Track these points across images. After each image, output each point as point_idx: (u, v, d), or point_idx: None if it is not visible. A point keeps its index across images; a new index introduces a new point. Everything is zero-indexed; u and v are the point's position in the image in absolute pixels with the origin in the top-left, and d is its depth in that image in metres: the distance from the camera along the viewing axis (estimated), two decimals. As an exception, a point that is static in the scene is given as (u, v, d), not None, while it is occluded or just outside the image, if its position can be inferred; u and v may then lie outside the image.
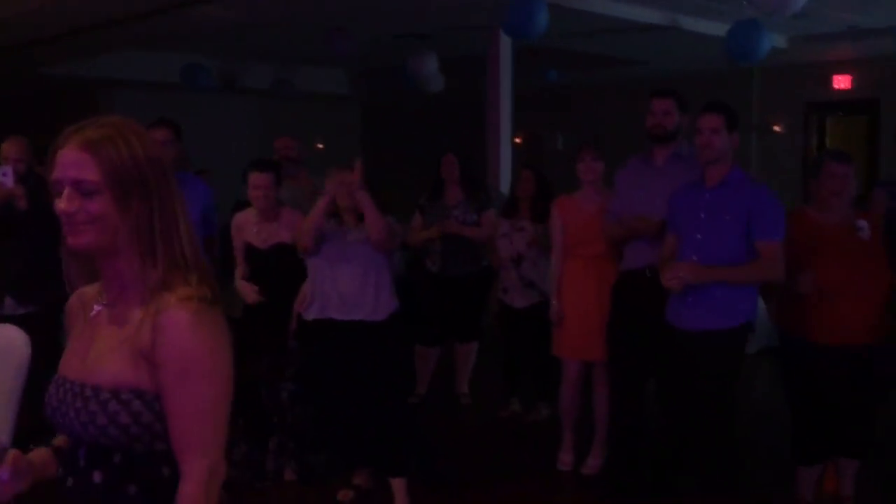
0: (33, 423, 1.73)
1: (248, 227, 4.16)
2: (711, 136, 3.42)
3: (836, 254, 3.60)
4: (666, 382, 3.79)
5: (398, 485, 3.84)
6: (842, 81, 9.80)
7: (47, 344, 2.31)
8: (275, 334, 4.04)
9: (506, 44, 7.83)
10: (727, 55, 7.06)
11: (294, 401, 4.08)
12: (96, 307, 1.58)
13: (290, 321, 4.02)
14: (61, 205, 1.47)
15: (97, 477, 1.52)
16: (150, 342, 1.47)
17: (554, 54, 9.58)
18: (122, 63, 10.02)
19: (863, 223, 3.65)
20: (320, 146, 13.32)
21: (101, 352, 1.53)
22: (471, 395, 5.60)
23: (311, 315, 3.88)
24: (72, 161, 1.47)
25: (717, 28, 7.78)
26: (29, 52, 8.42)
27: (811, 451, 3.74)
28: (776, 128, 10.73)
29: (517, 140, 8.32)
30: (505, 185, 7.82)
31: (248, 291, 4.10)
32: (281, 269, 4.08)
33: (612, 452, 4.21)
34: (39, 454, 1.62)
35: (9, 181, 4.26)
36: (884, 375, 3.71)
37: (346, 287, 3.81)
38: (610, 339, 4.05)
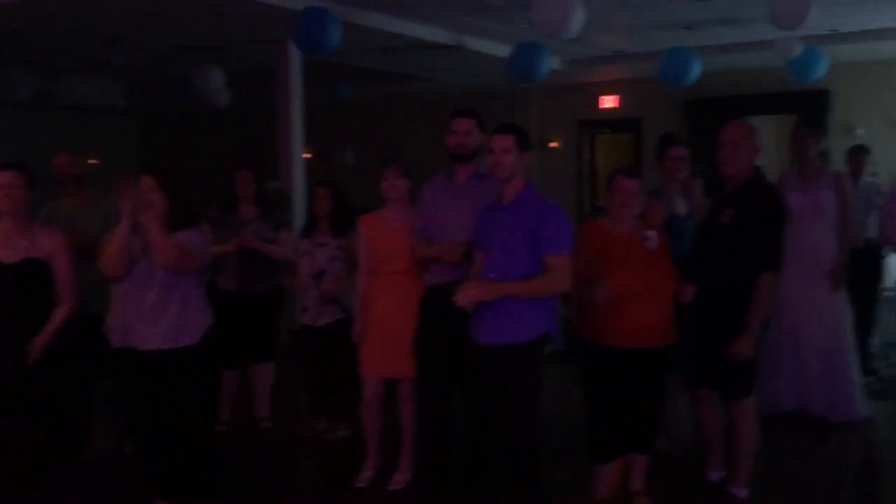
0: None
1: None
2: (502, 156, 3.54)
3: (626, 263, 3.84)
4: (470, 396, 3.87)
5: None
6: (609, 101, 10.53)
7: None
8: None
9: (296, 57, 7.73)
10: (510, 75, 7.36)
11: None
12: None
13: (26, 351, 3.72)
14: None
15: None
16: None
17: (343, 69, 9.59)
18: None
19: (651, 233, 3.92)
20: (94, 161, 12.50)
21: None
22: (272, 417, 5.41)
23: (114, 343, 3.69)
24: None
25: (501, 49, 8.13)
26: None
27: (607, 449, 3.96)
28: (553, 143, 11.35)
29: (306, 155, 8.21)
30: (298, 199, 7.71)
31: None
32: (29, 288, 3.74)
33: (421, 466, 4.23)
34: None
35: None
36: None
37: (145, 312, 3.62)
38: (417, 353, 4.08)
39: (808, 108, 9.39)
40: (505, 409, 3.54)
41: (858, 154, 6.81)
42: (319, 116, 10.00)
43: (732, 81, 9.77)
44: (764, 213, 3.86)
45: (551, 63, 7.38)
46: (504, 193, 3.63)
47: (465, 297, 3.48)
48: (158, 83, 11.07)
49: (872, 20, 7.76)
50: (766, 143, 8.36)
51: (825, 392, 5.20)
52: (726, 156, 3.92)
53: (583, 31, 7.99)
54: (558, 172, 11.20)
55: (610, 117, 11.12)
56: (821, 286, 5.20)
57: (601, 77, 10.44)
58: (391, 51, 8.62)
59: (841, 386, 5.20)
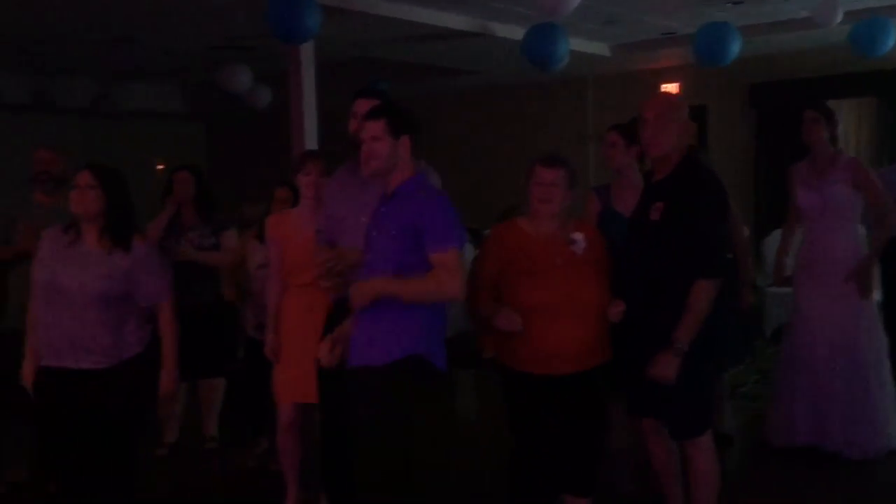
0: None
1: None
2: (373, 145, 2.98)
3: (543, 271, 3.22)
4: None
5: None
6: (669, 89, 9.69)
7: None
8: None
9: (308, 56, 7.36)
10: (525, 60, 6.74)
11: None
12: None
13: None
14: None
15: None
16: None
17: (381, 65, 9.21)
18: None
19: (577, 235, 3.30)
20: (161, 167, 12.61)
21: None
22: (219, 438, 5.03)
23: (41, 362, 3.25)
24: None
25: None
26: None
27: (533, 491, 3.34)
28: (612, 136, 10.56)
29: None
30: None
31: None
32: None
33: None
34: None
35: None
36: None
37: (67, 331, 3.18)
38: (318, 373, 3.57)
39: (890, 89, 8.29)
40: (363, 440, 2.97)
41: None
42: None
43: (802, 62, 8.76)
44: (696, 205, 3.13)
45: (568, 45, 6.68)
46: (386, 186, 3.08)
47: (357, 297, 2.93)
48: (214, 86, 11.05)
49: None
50: (844, 129, 7.49)
51: (843, 425, 4.35)
52: (650, 136, 3.21)
53: (621, 11, 7.39)
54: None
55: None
56: (839, 296, 4.36)
57: (659, 63, 9.61)
58: (417, 41, 8.15)
59: (863, 418, 4.34)
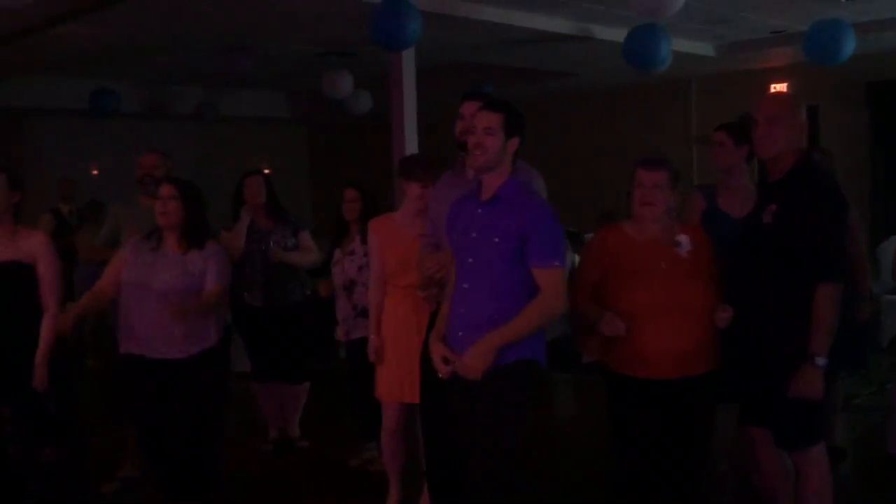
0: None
1: None
2: (484, 137, 2.95)
3: (647, 274, 3.17)
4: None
5: None
6: (778, 89, 9.36)
7: None
8: (13, 376, 3.57)
9: (409, 60, 7.44)
10: (626, 62, 6.65)
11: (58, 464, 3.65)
12: None
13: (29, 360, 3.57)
14: None
15: None
16: None
17: (486, 69, 9.24)
18: (39, 90, 9.74)
19: (682, 237, 3.23)
20: (267, 171, 12.96)
21: None
22: (314, 438, 5.12)
23: (121, 349, 3.68)
24: None
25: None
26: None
27: (632, 497, 3.28)
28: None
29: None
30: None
31: None
32: (12, 291, 3.61)
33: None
34: None
35: None
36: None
37: (153, 324, 3.57)
38: (421, 374, 3.59)
39: None
40: (486, 437, 2.95)
41: None
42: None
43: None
44: (811, 208, 3.01)
45: (671, 46, 6.54)
46: (484, 185, 3.06)
47: (471, 370, 2.91)
48: (318, 93, 11.30)
49: None
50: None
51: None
52: (761, 137, 3.11)
53: (728, 11, 7.20)
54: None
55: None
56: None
57: (768, 62, 9.30)
58: (516, 45, 8.14)
59: None
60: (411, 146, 7.49)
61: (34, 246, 3.63)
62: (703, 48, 8.56)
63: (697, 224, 3.55)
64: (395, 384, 3.84)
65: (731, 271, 3.22)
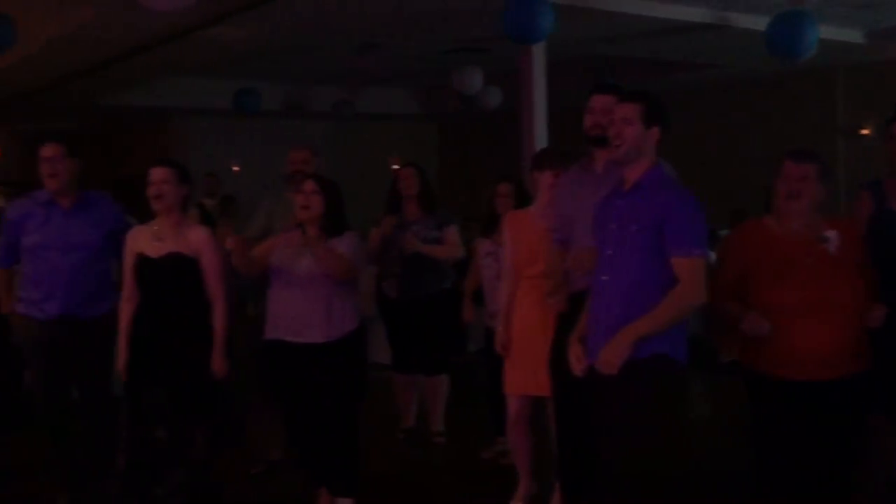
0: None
1: (142, 238, 3.82)
2: (623, 127, 2.90)
3: (793, 270, 3.04)
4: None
5: None
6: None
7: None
8: (174, 361, 3.74)
9: (539, 54, 7.40)
10: (768, 51, 6.38)
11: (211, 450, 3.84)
12: None
13: (197, 347, 3.74)
14: None
15: None
16: None
17: (617, 61, 9.09)
18: (186, 90, 10.27)
19: (830, 233, 3.08)
20: (396, 167, 13.21)
21: None
22: (447, 432, 5.13)
23: (266, 335, 3.89)
24: None
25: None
26: (75, 83, 8.68)
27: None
28: (864, 131, 9.76)
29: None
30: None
31: None
32: (176, 282, 3.77)
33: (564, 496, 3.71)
34: None
35: None
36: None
37: (295, 309, 3.78)
38: (552, 370, 3.58)
39: None
40: (624, 432, 2.90)
41: None
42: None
43: None
44: None
45: (817, 33, 6.23)
46: (625, 176, 3.01)
47: (606, 364, 2.87)
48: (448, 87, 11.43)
49: None
50: None
51: None
52: None
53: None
54: (870, 164, 9.57)
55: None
56: None
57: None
58: (651, 36, 7.96)
59: None
60: (541, 141, 7.45)
61: (199, 240, 3.80)
62: (852, 35, 8.11)
63: (861, 224, 3.37)
64: (520, 375, 3.85)
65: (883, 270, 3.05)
